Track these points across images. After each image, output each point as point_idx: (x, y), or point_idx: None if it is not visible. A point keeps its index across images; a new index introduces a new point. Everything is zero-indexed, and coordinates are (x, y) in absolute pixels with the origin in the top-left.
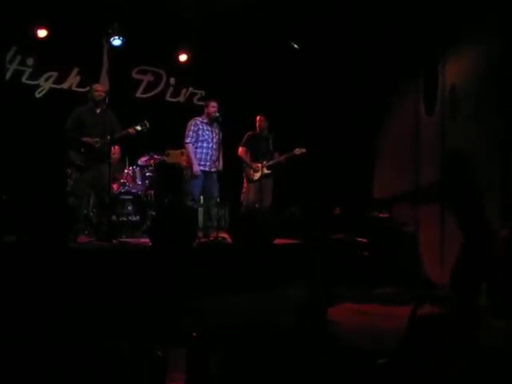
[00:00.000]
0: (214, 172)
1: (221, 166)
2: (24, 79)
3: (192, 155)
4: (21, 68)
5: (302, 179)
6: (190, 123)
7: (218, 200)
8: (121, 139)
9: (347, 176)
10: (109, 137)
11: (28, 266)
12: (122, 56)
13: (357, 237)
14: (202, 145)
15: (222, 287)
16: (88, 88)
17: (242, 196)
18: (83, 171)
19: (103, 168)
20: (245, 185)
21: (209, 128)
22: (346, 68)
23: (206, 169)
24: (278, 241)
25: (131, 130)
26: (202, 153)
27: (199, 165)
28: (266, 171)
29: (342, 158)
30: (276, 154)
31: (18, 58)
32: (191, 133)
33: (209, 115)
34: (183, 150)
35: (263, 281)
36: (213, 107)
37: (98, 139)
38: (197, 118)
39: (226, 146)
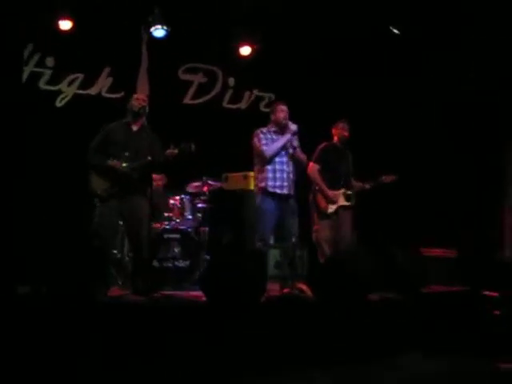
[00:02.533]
0: (293, 197)
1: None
2: (42, 84)
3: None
4: (39, 70)
5: (390, 212)
6: (255, 134)
7: (295, 239)
8: (160, 166)
9: (463, 207)
10: (141, 161)
11: (44, 324)
12: (165, 51)
13: (483, 289)
14: (273, 161)
15: (301, 358)
16: (122, 94)
17: (314, 235)
18: (108, 203)
19: (137, 200)
20: (315, 219)
21: (279, 139)
22: (457, 61)
23: (283, 191)
24: (373, 296)
25: (171, 153)
26: (274, 170)
27: (272, 187)
28: (344, 202)
29: (455, 183)
30: (352, 179)
31: (36, 57)
32: (264, 141)
33: (277, 122)
34: (247, 173)
35: (359, 349)
36: (282, 111)
37: (125, 163)
38: (262, 128)
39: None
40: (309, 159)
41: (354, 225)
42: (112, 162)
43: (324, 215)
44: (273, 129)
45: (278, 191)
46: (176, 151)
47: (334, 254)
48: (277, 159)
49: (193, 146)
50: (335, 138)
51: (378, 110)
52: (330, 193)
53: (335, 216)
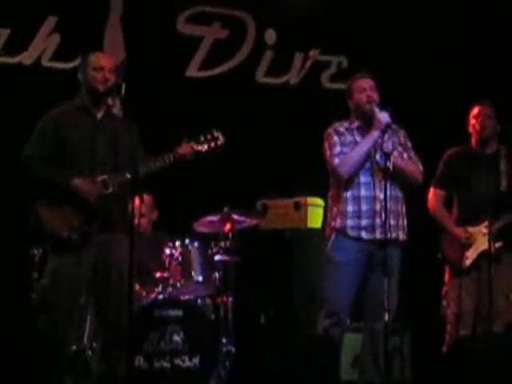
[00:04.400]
0: (393, 247)
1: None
2: None
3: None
4: None
5: None
6: (326, 136)
7: (390, 317)
8: (151, 178)
9: None
10: (127, 174)
11: None
12: None
13: None
14: (354, 181)
15: None
16: (79, 61)
17: (445, 304)
18: (71, 252)
19: (119, 243)
20: (445, 278)
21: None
22: None
23: (375, 235)
24: None
25: (183, 152)
26: (356, 199)
27: (353, 228)
28: (487, 247)
29: None
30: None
31: None
32: (338, 148)
33: (358, 110)
34: (301, 200)
35: None
36: (363, 90)
37: (105, 177)
38: (338, 124)
39: None
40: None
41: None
42: (79, 180)
43: (457, 271)
44: (355, 124)
45: (365, 235)
46: (199, 146)
47: (468, 340)
48: (361, 178)
49: (221, 138)
50: (474, 136)
51: None
52: (461, 231)
53: (476, 271)
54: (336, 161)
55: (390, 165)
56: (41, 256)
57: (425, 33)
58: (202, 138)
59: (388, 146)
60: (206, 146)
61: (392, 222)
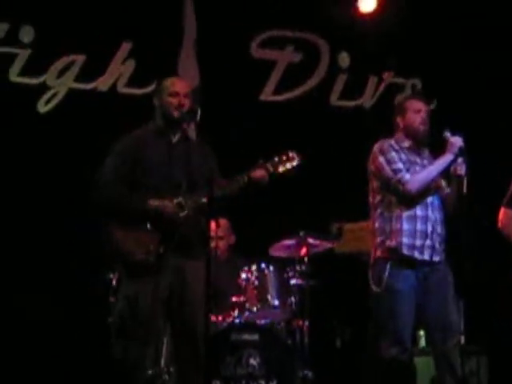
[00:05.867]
0: (445, 267)
1: None
2: (14, 75)
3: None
4: (8, 50)
5: None
6: (379, 149)
7: (459, 337)
8: (227, 202)
9: None
10: (202, 197)
11: None
12: (225, 11)
13: None
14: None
15: None
16: (153, 87)
17: None
18: (147, 277)
19: (196, 269)
20: None
21: (418, 161)
22: None
23: (433, 257)
24: None
25: (259, 174)
26: (412, 218)
27: (409, 248)
28: None
29: None
30: None
31: (3, 26)
32: (399, 163)
33: (411, 132)
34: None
35: None
36: (418, 111)
37: (178, 198)
38: (390, 140)
39: None
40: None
41: None
42: (154, 202)
43: None
44: (405, 143)
45: (417, 255)
46: (273, 168)
47: None
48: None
49: (296, 158)
50: None
51: None
52: None
53: None
54: (406, 176)
55: (464, 188)
56: (117, 280)
57: (502, 55)
58: (277, 159)
59: (462, 169)
60: (281, 167)
61: (438, 244)
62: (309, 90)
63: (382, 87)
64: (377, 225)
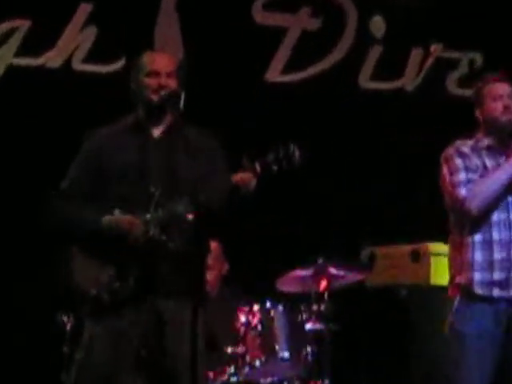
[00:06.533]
0: None
1: None
2: None
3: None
4: None
5: None
6: (446, 157)
7: None
8: (216, 218)
9: None
10: (189, 215)
11: None
12: None
13: None
14: (484, 220)
15: None
16: (121, 63)
17: None
18: (109, 318)
19: (179, 313)
20: None
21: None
22: None
23: (511, 293)
24: None
25: (240, 179)
26: (482, 243)
27: (482, 285)
28: None
29: None
30: None
31: None
32: (463, 174)
33: (492, 124)
34: (420, 247)
35: None
36: (498, 98)
37: (150, 215)
38: (461, 142)
39: None
40: None
41: None
42: (113, 218)
43: None
44: (485, 142)
45: (497, 293)
46: (258, 168)
47: None
48: (493, 216)
49: (297, 154)
50: None
51: None
52: None
53: None
54: (462, 192)
55: None
56: (73, 324)
57: None
58: (271, 156)
59: None
60: (274, 167)
61: None
62: (330, 68)
63: (428, 63)
64: (451, 252)
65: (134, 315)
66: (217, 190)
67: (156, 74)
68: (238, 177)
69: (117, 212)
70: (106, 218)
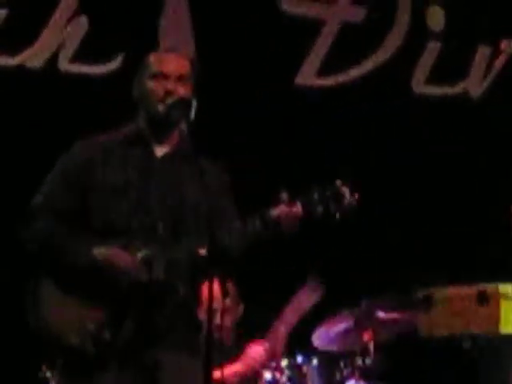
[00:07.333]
0: None
1: None
2: None
3: None
4: None
5: None
6: None
7: None
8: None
9: None
10: (201, 251)
11: None
12: None
13: None
14: None
15: None
16: (118, 63)
17: None
18: (90, 379)
19: (173, 372)
20: None
21: None
22: None
23: None
24: None
25: (290, 214)
26: None
27: None
28: None
29: None
30: None
31: None
32: None
33: None
34: (488, 288)
35: None
36: None
37: (147, 252)
38: None
39: None
40: None
41: None
42: (106, 252)
43: None
44: None
45: None
46: (305, 210)
47: None
48: None
49: (347, 195)
50: None
51: None
52: None
53: None
54: None
55: None
56: (58, 380)
57: None
58: (316, 196)
59: None
60: (320, 209)
61: None
62: (376, 69)
63: (499, 64)
64: None
65: (123, 373)
66: (235, 229)
67: (163, 76)
68: (282, 211)
69: (109, 243)
70: (98, 252)
